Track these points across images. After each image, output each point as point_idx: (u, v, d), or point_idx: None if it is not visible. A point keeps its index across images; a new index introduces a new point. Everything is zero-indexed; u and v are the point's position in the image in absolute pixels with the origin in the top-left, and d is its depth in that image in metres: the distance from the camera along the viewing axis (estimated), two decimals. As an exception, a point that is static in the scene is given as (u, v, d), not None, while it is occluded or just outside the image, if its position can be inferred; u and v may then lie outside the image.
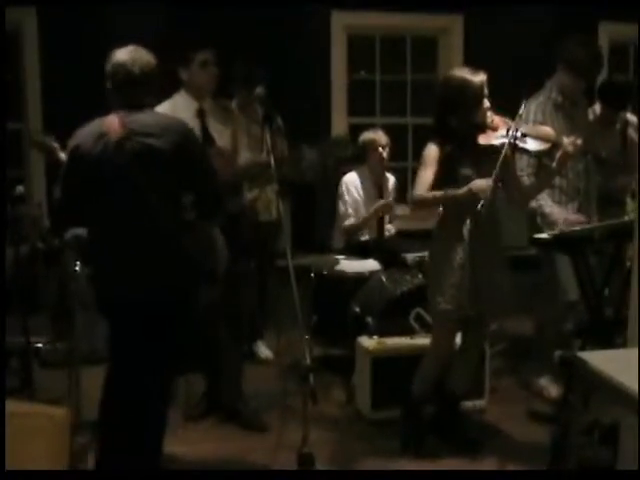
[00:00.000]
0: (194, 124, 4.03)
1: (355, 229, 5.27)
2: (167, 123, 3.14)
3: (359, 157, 5.39)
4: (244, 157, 4.42)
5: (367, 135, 5.33)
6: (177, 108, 4.02)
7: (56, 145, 3.73)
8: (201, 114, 4.09)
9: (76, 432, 3.55)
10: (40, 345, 4.98)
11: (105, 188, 3.10)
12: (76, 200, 3.18)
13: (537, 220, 4.32)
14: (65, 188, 3.18)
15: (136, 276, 3.15)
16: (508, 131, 3.64)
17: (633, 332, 2.93)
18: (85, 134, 3.13)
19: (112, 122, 3.09)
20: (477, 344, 4.07)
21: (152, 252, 3.13)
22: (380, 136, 5.28)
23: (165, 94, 4.00)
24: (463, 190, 3.58)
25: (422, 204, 3.77)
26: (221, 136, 4.11)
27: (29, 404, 3.68)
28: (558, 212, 4.27)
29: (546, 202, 4.29)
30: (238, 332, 4.28)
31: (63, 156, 3.49)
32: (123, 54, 3.14)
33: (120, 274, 3.18)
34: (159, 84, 3.22)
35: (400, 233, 5.53)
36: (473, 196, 3.54)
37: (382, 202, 5.24)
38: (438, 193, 3.65)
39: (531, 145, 3.66)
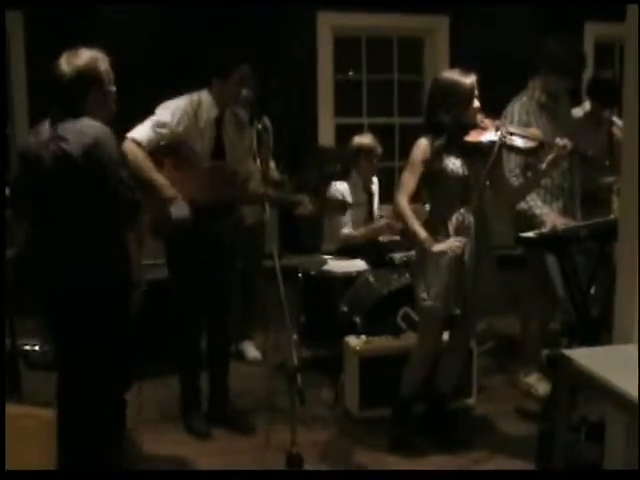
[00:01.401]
0: (211, 131, 3.98)
1: (353, 240, 5.23)
2: (82, 128, 3.14)
3: (346, 164, 5.37)
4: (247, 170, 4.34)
5: (358, 141, 5.29)
6: (202, 108, 3.96)
7: None
8: (218, 123, 4.01)
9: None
10: (28, 347, 4.96)
11: (33, 189, 3.24)
12: (21, 198, 3.34)
13: (524, 220, 4.32)
14: (13, 187, 3.37)
15: (54, 273, 3.26)
16: (497, 130, 3.67)
17: (618, 330, 2.95)
18: (32, 134, 3.28)
19: (44, 127, 3.22)
20: (464, 343, 4.08)
21: (68, 252, 3.22)
22: (371, 142, 5.26)
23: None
24: (438, 247, 3.57)
25: (398, 215, 3.78)
26: (233, 148, 4.05)
27: (17, 406, 3.66)
28: (547, 214, 4.27)
29: (536, 203, 4.30)
30: (224, 333, 4.27)
31: None
32: (59, 61, 3.18)
33: (44, 270, 3.30)
34: (98, 87, 3.21)
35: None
36: (443, 253, 3.59)
37: (384, 224, 5.21)
38: (416, 223, 3.65)
39: (519, 143, 3.69)
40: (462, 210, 3.69)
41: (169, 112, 3.91)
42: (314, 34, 6.69)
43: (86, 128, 3.14)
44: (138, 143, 3.83)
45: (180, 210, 3.82)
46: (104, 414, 3.36)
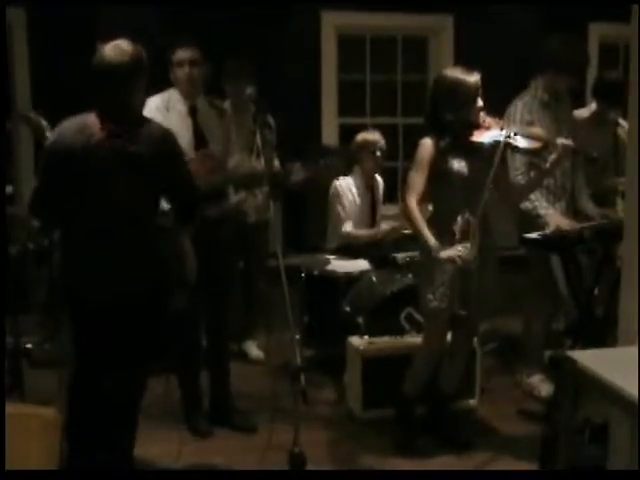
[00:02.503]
0: (186, 122, 4.03)
1: (355, 239, 5.20)
2: (147, 127, 3.10)
3: (349, 161, 5.34)
4: (235, 159, 4.40)
5: (363, 136, 5.24)
6: (171, 103, 4.03)
7: (45, 123, 3.73)
8: (193, 113, 4.06)
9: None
10: (30, 345, 4.96)
11: (81, 185, 3.06)
12: (52, 194, 3.13)
13: (528, 220, 4.31)
14: (42, 181, 3.14)
15: (104, 276, 3.11)
16: (501, 130, 3.65)
17: (623, 331, 2.94)
18: (66, 129, 3.09)
19: (94, 120, 3.06)
20: (468, 343, 4.07)
21: (122, 253, 3.10)
22: (376, 138, 5.22)
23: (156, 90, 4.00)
24: (445, 254, 3.52)
25: (407, 218, 3.71)
26: (213, 136, 4.07)
27: (19, 405, 3.66)
28: (552, 215, 4.26)
29: (541, 203, 4.28)
30: (222, 333, 4.27)
31: (49, 135, 3.44)
32: (105, 51, 3.05)
33: (89, 274, 3.14)
34: (145, 80, 3.15)
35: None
36: (451, 262, 3.53)
37: (393, 227, 5.19)
38: (425, 227, 3.59)
39: (522, 143, 3.67)
40: (467, 211, 3.67)
41: (147, 112, 3.85)
42: (318, 33, 6.69)
43: (149, 126, 3.11)
44: None
45: None
46: (126, 414, 3.31)
